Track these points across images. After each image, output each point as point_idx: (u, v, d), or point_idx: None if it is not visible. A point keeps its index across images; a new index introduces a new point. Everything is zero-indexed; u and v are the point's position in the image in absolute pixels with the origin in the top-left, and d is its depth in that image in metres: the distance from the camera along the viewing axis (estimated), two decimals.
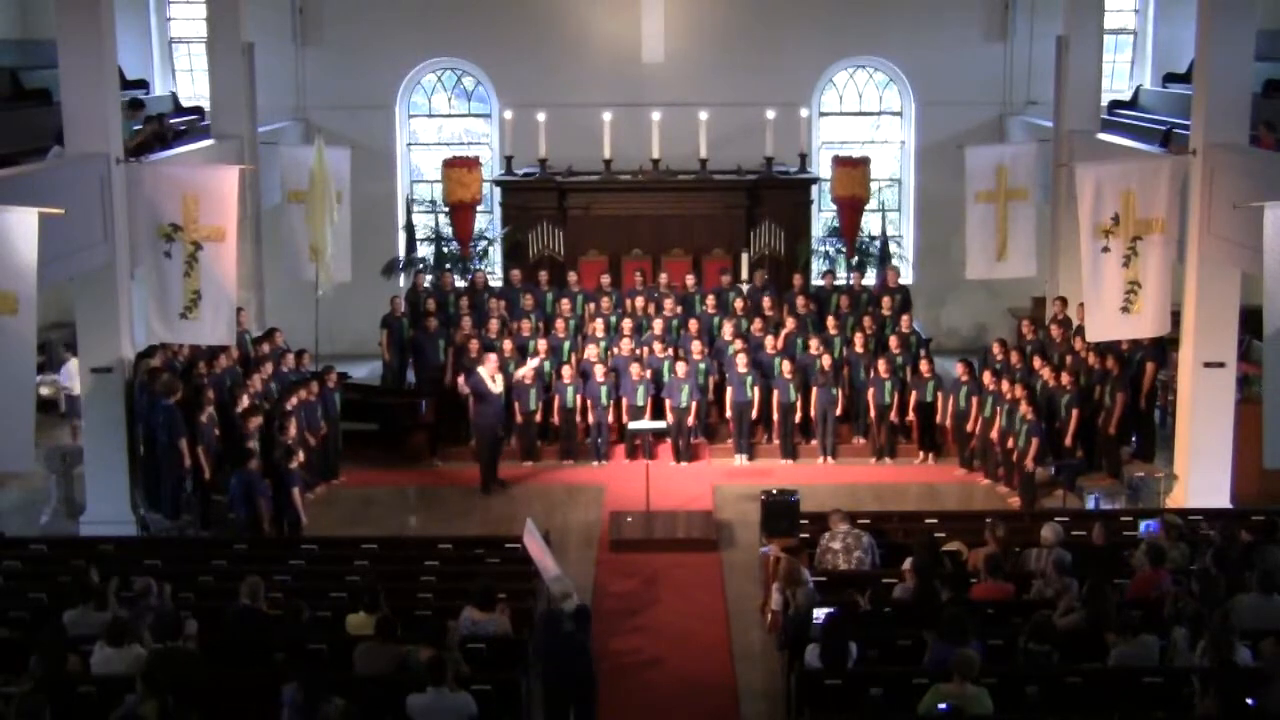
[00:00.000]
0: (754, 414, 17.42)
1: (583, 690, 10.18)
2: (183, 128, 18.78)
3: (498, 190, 21.34)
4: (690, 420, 17.34)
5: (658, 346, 17.80)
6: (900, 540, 13.05)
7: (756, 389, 17.26)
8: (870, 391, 17.27)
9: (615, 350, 17.83)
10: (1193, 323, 14.54)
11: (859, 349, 17.65)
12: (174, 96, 21.81)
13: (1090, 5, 18.77)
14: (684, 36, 21.77)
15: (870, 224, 21.33)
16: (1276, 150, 14.48)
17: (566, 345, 18.08)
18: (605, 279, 19.39)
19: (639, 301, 18.89)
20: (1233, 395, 14.70)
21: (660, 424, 16.86)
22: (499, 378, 16.56)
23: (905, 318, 18.39)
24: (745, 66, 21.83)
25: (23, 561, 12.75)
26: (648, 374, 17.32)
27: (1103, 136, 18.30)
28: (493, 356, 16.80)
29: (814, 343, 17.55)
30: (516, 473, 17.18)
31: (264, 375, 16.05)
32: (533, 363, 17.16)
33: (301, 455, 14.78)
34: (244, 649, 10.40)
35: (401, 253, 21.13)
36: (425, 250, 21.17)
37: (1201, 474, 14.57)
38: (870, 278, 20.01)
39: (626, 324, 18.29)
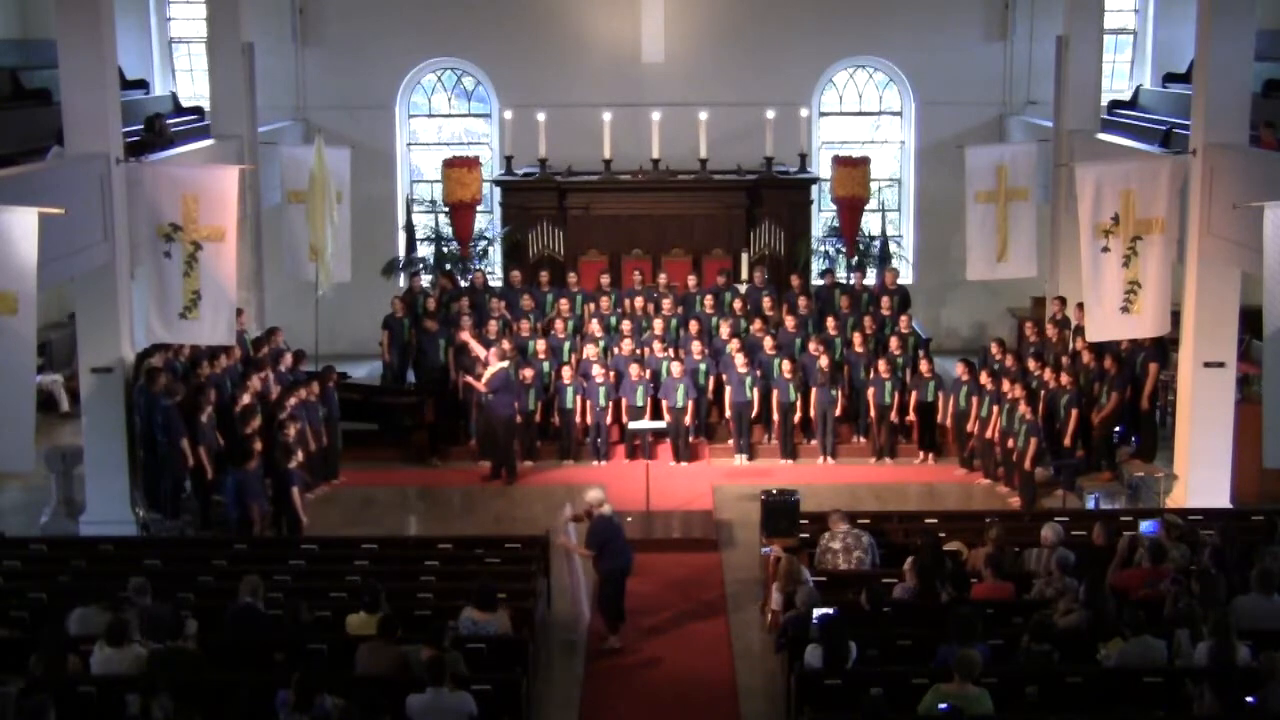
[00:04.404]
0: (754, 414, 17.43)
1: (628, 569, 12.21)
2: (181, 127, 18.81)
3: (498, 190, 21.34)
4: (688, 420, 17.35)
5: (657, 346, 17.81)
6: (900, 540, 13.06)
7: (756, 389, 17.27)
8: (870, 391, 17.27)
9: (615, 350, 17.84)
10: (1193, 323, 14.54)
11: (858, 349, 17.66)
12: (174, 96, 21.81)
13: (1090, 5, 18.77)
14: (684, 36, 21.78)
15: (870, 224, 21.34)
16: (1277, 150, 14.48)
17: (566, 346, 18.09)
18: (604, 279, 19.39)
19: (638, 301, 18.90)
20: (1233, 395, 14.71)
21: (660, 424, 16.87)
22: (488, 371, 16.70)
23: (905, 318, 18.40)
24: (745, 66, 21.85)
25: (23, 561, 12.75)
26: (647, 374, 17.33)
27: (1103, 136, 18.31)
28: (493, 351, 16.88)
29: (814, 344, 17.55)
30: (517, 472, 17.18)
31: (263, 376, 16.05)
32: (495, 366, 16.88)
33: (301, 455, 14.77)
34: (244, 649, 10.41)
35: (401, 253, 21.14)
36: (425, 250, 21.19)
37: (1201, 474, 14.57)
38: (870, 278, 20.00)
39: (626, 324, 18.30)
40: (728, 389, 17.42)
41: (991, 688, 9.24)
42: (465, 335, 17.55)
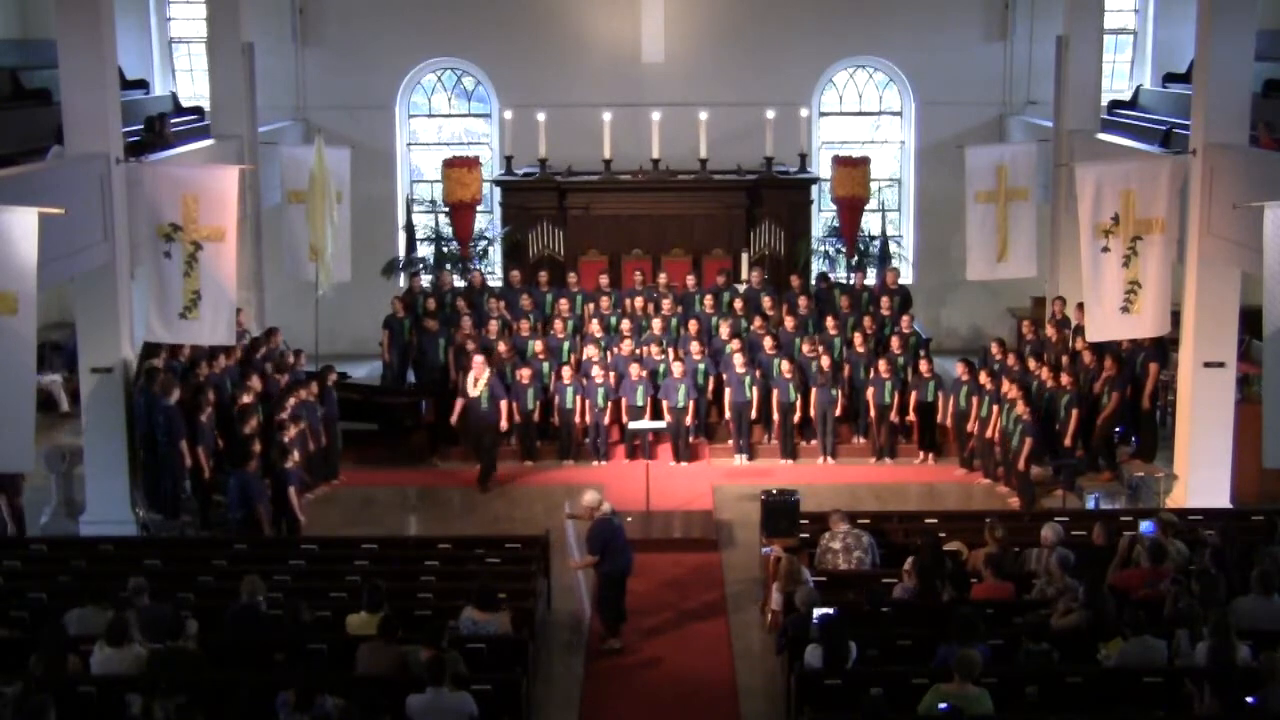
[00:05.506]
0: (753, 414, 17.43)
1: (628, 570, 12.19)
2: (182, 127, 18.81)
3: (498, 190, 21.34)
4: (688, 420, 17.35)
5: (655, 348, 17.81)
6: (900, 540, 13.06)
7: (756, 389, 17.27)
8: (870, 391, 17.27)
9: (615, 350, 17.84)
10: (1193, 323, 14.54)
11: (859, 349, 17.66)
12: (174, 96, 21.82)
13: (1090, 5, 18.78)
14: (684, 36, 21.78)
15: (870, 224, 21.34)
16: (1276, 150, 14.48)
17: (565, 346, 18.08)
18: (604, 279, 19.39)
19: (638, 301, 18.90)
20: (1233, 395, 14.71)
21: (661, 423, 16.88)
22: (481, 380, 16.62)
23: (905, 318, 18.40)
24: (745, 66, 21.85)
25: (23, 561, 12.75)
26: (646, 374, 17.33)
27: (1103, 136, 18.31)
28: (478, 360, 16.82)
29: (807, 345, 17.54)
30: (517, 472, 17.19)
31: (277, 377, 16.08)
32: (485, 373, 16.77)
33: (298, 455, 14.76)
34: (244, 649, 10.41)
35: (401, 253, 21.15)
36: (425, 250, 21.19)
37: (1201, 474, 14.57)
38: (871, 278, 20.00)
39: (625, 324, 18.30)
40: (727, 389, 17.42)
41: (991, 688, 9.24)
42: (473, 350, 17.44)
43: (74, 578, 12.10)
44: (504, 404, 16.80)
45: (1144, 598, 10.82)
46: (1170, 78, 21.08)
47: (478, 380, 16.61)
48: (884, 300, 18.97)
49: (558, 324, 18.42)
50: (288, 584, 11.88)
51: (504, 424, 16.85)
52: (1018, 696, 9.67)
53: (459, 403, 16.84)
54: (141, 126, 17.13)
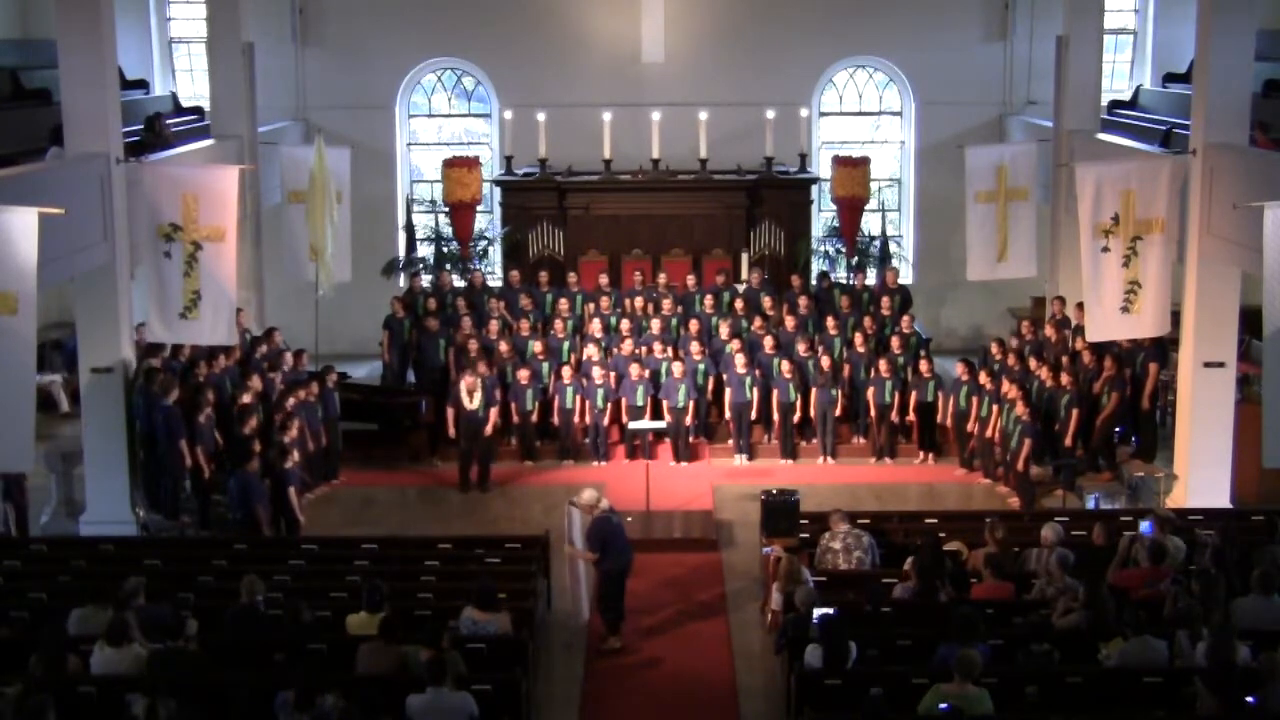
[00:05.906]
0: (753, 414, 17.43)
1: (628, 568, 12.20)
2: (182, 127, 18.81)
3: (498, 190, 21.34)
4: (689, 420, 17.35)
5: (656, 346, 17.82)
6: (900, 540, 13.06)
7: (756, 389, 17.27)
8: (870, 391, 17.28)
9: (615, 350, 17.84)
10: (1193, 323, 14.55)
11: (859, 349, 17.66)
12: (174, 96, 21.81)
13: (1090, 5, 18.78)
14: (684, 36, 21.78)
15: (870, 224, 21.34)
16: (1274, 150, 14.48)
17: (565, 346, 18.08)
18: (604, 279, 19.39)
19: (638, 302, 18.90)
20: (1233, 395, 14.71)
21: (660, 423, 16.88)
22: (477, 394, 16.58)
23: (906, 318, 18.40)
24: (745, 66, 21.85)
25: (23, 561, 12.76)
26: (646, 374, 17.33)
27: (1103, 136, 18.31)
28: (469, 379, 16.71)
29: (802, 346, 17.54)
30: (516, 472, 17.20)
31: (272, 376, 16.07)
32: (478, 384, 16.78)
33: (297, 454, 14.76)
34: (244, 649, 10.41)
35: (401, 253, 21.15)
36: (425, 250, 21.19)
37: (1201, 474, 14.57)
38: (871, 278, 20.00)
39: (625, 324, 18.30)
40: (727, 389, 17.42)
41: (991, 688, 9.24)
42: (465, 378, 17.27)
43: (74, 578, 12.11)
44: (494, 410, 16.77)
45: (1144, 598, 10.82)
46: (1170, 78, 21.07)
47: (472, 394, 16.57)
48: (884, 300, 18.98)
49: (558, 324, 18.42)
50: (288, 584, 11.88)
51: (488, 429, 16.75)
52: (1018, 696, 9.67)
53: (450, 412, 16.75)
54: (141, 126, 17.13)
